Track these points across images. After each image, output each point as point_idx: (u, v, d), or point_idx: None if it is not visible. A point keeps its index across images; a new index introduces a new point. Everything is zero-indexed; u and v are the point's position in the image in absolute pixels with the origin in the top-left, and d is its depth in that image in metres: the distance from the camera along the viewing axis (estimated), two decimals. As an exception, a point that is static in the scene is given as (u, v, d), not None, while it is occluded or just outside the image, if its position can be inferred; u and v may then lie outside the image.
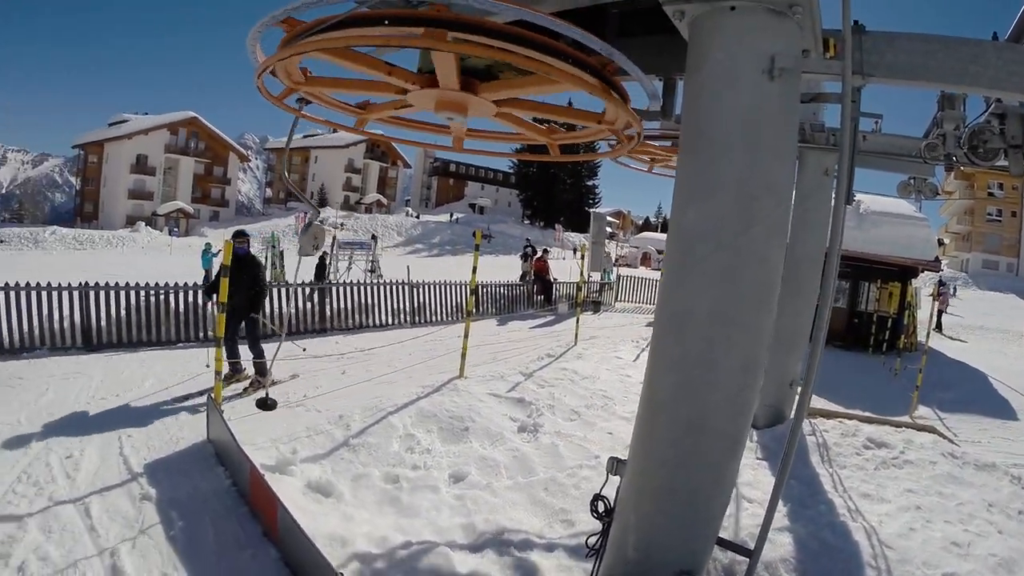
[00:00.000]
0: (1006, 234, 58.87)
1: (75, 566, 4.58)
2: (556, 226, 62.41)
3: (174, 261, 30.10)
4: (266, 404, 7.76)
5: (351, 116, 5.11)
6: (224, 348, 8.31)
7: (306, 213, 54.50)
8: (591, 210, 26.32)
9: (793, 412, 8.86)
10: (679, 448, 3.48)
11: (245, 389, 8.79)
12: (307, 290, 13.65)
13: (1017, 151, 6.45)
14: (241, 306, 8.74)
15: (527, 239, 36.72)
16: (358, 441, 7.18)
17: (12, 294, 9.99)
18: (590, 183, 77.56)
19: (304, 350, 9.01)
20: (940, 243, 56.20)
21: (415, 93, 4.12)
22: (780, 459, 7.20)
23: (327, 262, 20.84)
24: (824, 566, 5.42)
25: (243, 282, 8.64)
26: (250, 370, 9.23)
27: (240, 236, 9.07)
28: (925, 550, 5.74)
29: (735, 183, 3.33)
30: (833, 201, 3.68)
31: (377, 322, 14.68)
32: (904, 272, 18.99)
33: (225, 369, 8.56)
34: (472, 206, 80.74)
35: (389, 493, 6.23)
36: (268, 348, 8.77)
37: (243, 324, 9.11)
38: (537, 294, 19.93)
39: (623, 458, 3.92)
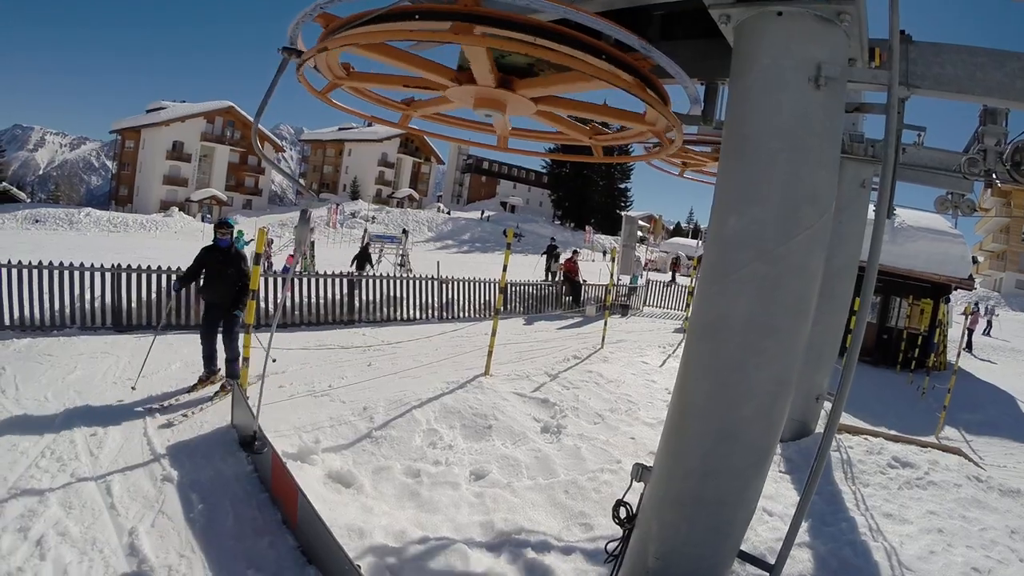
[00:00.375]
0: (1042, 254, 57.77)
1: (93, 543, 4.64)
2: (587, 228, 61.91)
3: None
4: (252, 446, 6.02)
5: (396, 112, 5.15)
6: (203, 348, 8.12)
7: (338, 205, 55.04)
8: (623, 213, 26.20)
9: (820, 427, 8.81)
10: (708, 457, 3.44)
11: (216, 393, 7.92)
12: (345, 281, 13.67)
13: None
14: (223, 302, 8.08)
15: (552, 237, 36.61)
16: (381, 433, 7.20)
17: (45, 273, 10.13)
18: (623, 186, 76.90)
19: (274, 360, 8.18)
20: (974, 261, 55.19)
21: (454, 89, 4.11)
22: (803, 473, 7.15)
23: (369, 252, 21.07)
24: (842, 585, 5.36)
25: (227, 276, 8.03)
26: (223, 371, 8.40)
27: (224, 227, 8.32)
28: (945, 574, 5.65)
29: (778, 192, 3.28)
30: (873, 214, 3.61)
31: (405, 316, 14.66)
32: (937, 289, 18.61)
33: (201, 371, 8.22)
34: (503, 204, 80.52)
35: (409, 487, 6.24)
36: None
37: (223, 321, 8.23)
38: (565, 295, 19.80)
39: (648, 465, 3.88)
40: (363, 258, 20.42)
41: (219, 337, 8.15)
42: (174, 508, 5.22)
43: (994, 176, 7.47)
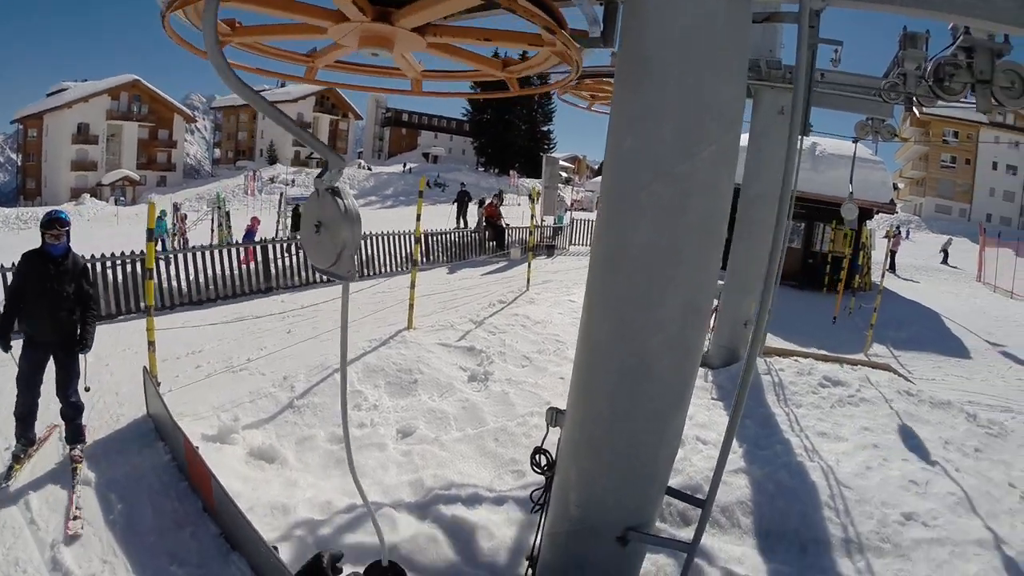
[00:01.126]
0: (959, 180, 60.09)
1: (16, 564, 4.36)
2: (511, 172, 61.42)
3: (121, 231, 29.01)
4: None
5: (301, 65, 4.69)
6: (17, 404, 5.57)
7: (255, 172, 53.29)
8: (544, 155, 26.04)
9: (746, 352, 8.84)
10: (618, 398, 3.22)
11: (74, 470, 5.44)
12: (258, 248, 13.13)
13: (985, 86, 6.26)
14: (57, 337, 5.57)
15: (461, 183, 36.38)
16: (303, 402, 6.96)
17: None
18: (545, 128, 75.75)
19: (88, 389, 5.96)
20: (895, 187, 57.30)
21: (335, 30, 3.72)
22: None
23: (300, 211, 20.55)
24: (780, 508, 5.35)
25: (63, 299, 5.51)
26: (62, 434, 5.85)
27: (54, 226, 5.57)
28: (883, 489, 5.72)
29: (678, 106, 2.98)
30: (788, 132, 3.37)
31: (325, 277, 14.12)
32: (859, 213, 19.05)
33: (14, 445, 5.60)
34: (426, 155, 78.70)
35: (335, 454, 6.07)
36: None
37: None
38: (488, 240, 19.75)
39: (563, 408, 3.66)
40: (297, 217, 20.10)
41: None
42: (94, 513, 4.94)
43: (915, 99, 7.51)
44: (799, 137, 3.05)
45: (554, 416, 3.65)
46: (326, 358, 7.95)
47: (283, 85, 66.62)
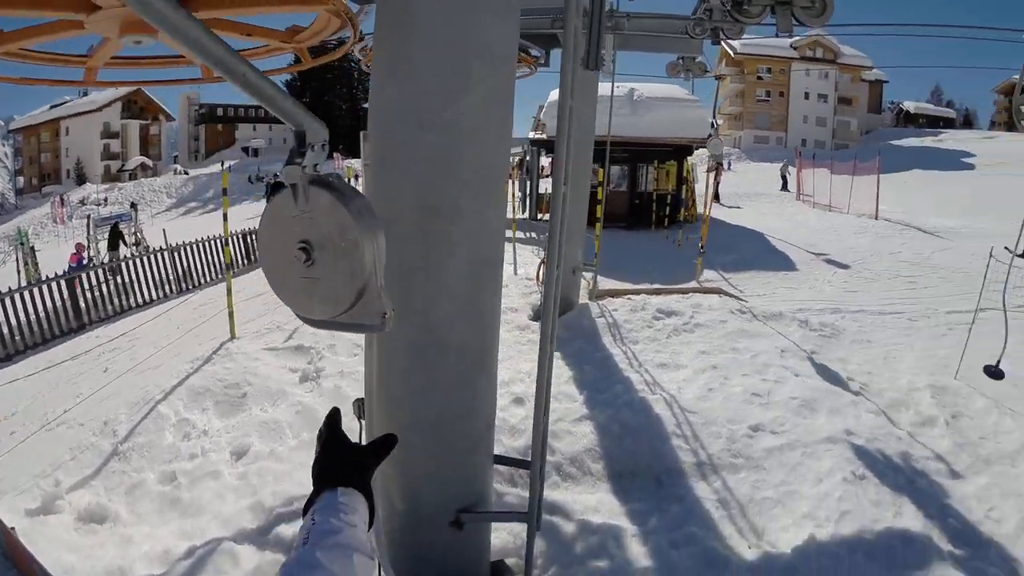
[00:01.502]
0: (774, 112, 65.49)
1: None
2: (334, 155, 59.18)
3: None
4: None
5: (77, 68, 3.96)
6: None
7: (62, 197, 48.40)
8: (362, 132, 25.43)
9: (583, 297, 8.91)
10: (414, 376, 3.00)
11: None
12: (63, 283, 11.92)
13: (785, 7, 6.51)
14: None
15: (275, 174, 35.22)
16: (128, 446, 6.26)
17: None
18: (367, 106, 74.50)
19: None
20: (714, 123, 60.78)
21: (103, 12, 3.18)
22: (571, 347, 7.15)
23: (120, 229, 19.20)
24: (628, 447, 5.39)
25: None
26: None
27: None
28: (727, 407, 5.89)
29: (437, 47, 2.72)
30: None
31: (142, 300, 13.34)
32: (679, 151, 20.02)
33: None
34: (245, 150, 74.13)
35: (168, 496, 5.50)
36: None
37: None
38: None
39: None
40: (115, 236, 18.73)
41: None
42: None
43: (721, 32, 7.85)
44: (577, 68, 2.91)
45: (360, 407, 3.41)
46: (147, 391, 7.24)
47: (85, 94, 61.20)
